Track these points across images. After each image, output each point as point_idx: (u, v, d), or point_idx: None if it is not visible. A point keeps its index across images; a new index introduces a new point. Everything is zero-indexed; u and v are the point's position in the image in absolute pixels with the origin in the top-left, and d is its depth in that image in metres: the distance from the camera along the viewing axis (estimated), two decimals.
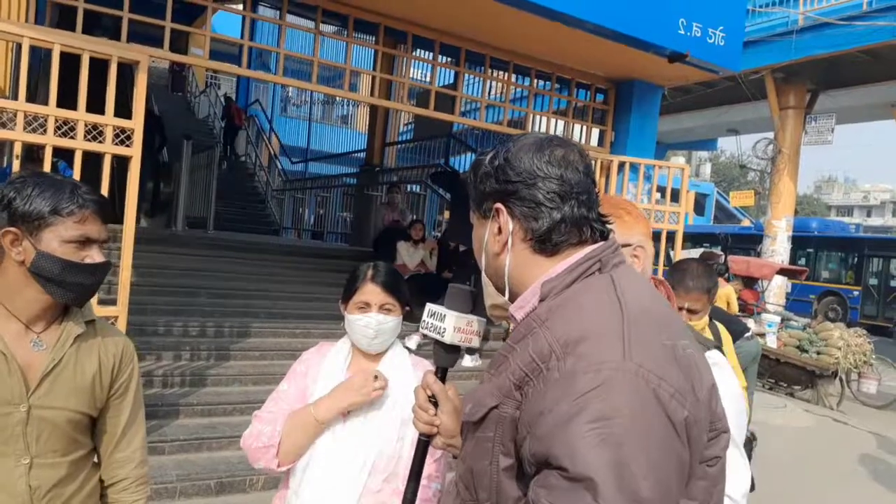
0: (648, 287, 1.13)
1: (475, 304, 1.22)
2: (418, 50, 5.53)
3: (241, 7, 4.94)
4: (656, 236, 6.38)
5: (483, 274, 1.17)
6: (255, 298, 6.94)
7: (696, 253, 18.45)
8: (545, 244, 1.06)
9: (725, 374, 1.56)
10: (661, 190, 6.82)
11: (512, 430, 0.97)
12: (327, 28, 7.04)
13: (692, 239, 22.43)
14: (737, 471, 1.47)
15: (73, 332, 1.56)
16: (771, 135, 14.47)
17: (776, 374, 9.29)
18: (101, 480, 1.67)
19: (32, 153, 5.36)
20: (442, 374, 1.23)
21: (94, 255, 1.51)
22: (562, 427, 0.88)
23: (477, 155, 1.18)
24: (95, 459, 1.67)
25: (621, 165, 6.05)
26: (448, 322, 1.19)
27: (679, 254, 6.61)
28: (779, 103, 13.74)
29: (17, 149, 3.69)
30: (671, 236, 6.47)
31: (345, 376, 1.85)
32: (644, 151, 6.16)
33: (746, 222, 28.21)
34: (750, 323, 11.35)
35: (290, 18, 5.22)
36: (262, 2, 6.84)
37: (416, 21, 5.13)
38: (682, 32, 5.08)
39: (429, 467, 1.69)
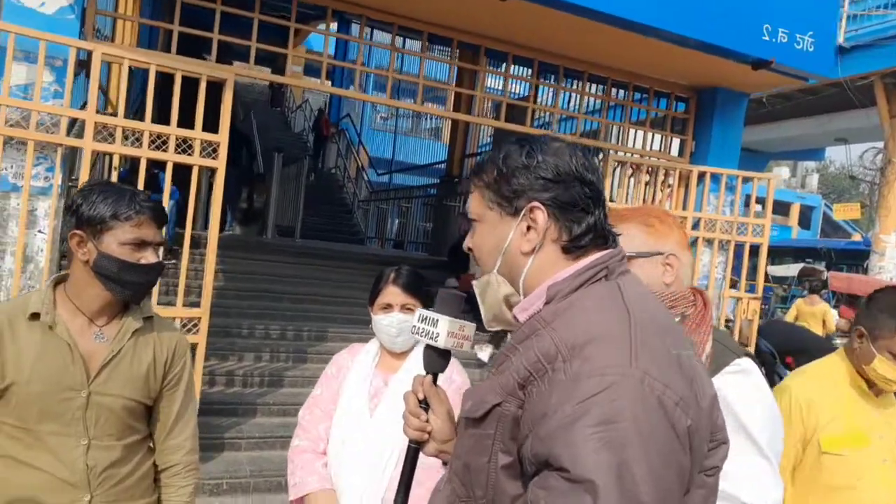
0: (652, 296, 1.13)
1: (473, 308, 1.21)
2: (507, 65, 5.55)
3: (327, 27, 5.18)
4: (739, 249, 6.11)
5: (492, 275, 1.12)
6: (334, 304, 7.20)
7: (796, 268, 17.44)
8: (575, 246, 1.06)
9: (756, 381, 1.50)
10: (760, 201, 6.52)
11: (513, 428, 0.97)
12: (414, 45, 7.23)
13: (794, 254, 21.21)
14: (763, 480, 1.42)
15: (132, 327, 1.71)
16: (881, 144, 13.49)
17: None
18: (156, 465, 1.82)
19: (135, 165, 5.85)
20: (433, 379, 1.22)
21: (149, 257, 1.66)
22: (565, 429, 0.88)
23: (498, 148, 1.14)
24: (151, 445, 1.82)
25: (701, 176, 5.84)
26: (441, 327, 1.18)
27: (763, 267, 6.29)
28: (889, 110, 12.79)
29: (116, 161, 4.02)
30: (756, 250, 6.17)
31: (373, 373, 1.93)
32: (727, 161, 5.92)
33: (857, 237, 26.36)
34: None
35: (377, 35, 5.39)
36: (354, 21, 7.11)
37: (488, 34, 5.19)
38: (767, 39, 4.86)
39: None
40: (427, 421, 1.21)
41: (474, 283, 1.16)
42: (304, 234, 10.22)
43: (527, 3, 4.36)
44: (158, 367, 1.76)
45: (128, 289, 1.65)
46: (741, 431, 1.40)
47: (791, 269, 17.10)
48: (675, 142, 6.15)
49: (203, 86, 4.21)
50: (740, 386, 1.45)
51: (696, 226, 5.86)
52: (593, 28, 4.69)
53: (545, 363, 0.94)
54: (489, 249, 1.12)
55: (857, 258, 18.46)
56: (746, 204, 6.19)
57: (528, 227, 1.07)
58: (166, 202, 4.31)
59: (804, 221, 31.64)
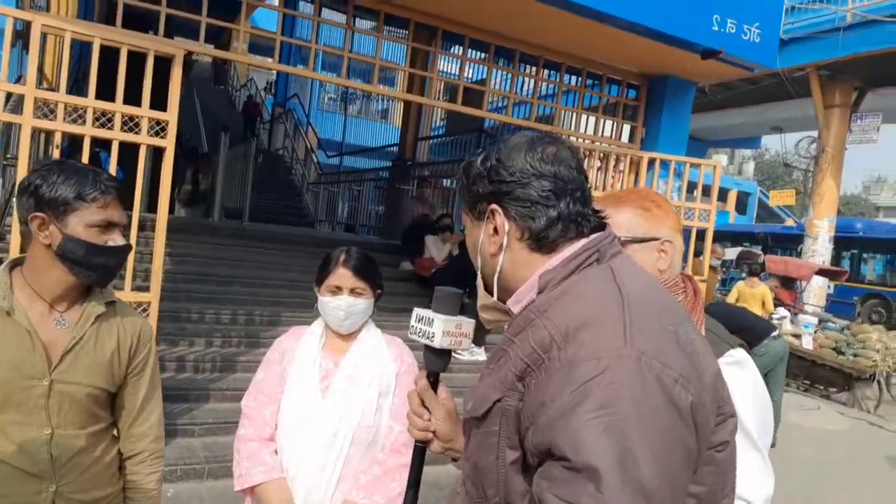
0: (647, 275, 1.12)
1: (464, 307, 1.21)
2: (464, 48, 5.50)
3: (276, 3, 5.05)
4: (686, 234, 6.31)
5: (479, 276, 1.15)
6: (286, 288, 7.07)
7: (734, 252, 18.14)
8: (542, 242, 1.05)
9: (750, 372, 1.49)
10: (703, 188, 6.73)
11: (516, 422, 0.96)
12: (367, 24, 7.12)
13: (732, 238, 22.05)
14: (757, 474, 1.41)
15: (94, 312, 1.64)
16: (815, 133, 14.12)
17: (811, 375, 9.11)
18: (121, 453, 1.76)
19: (76, 143, 5.58)
20: (434, 378, 1.21)
21: (116, 238, 1.59)
22: (564, 416, 0.86)
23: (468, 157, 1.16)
24: (115, 433, 1.76)
25: (651, 162, 5.99)
26: (437, 327, 1.16)
27: (709, 251, 6.51)
28: (824, 101, 13.39)
29: (58, 138, 3.84)
30: (702, 234, 6.38)
31: (321, 355, 1.92)
32: (676, 148, 6.10)
33: (790, 222, 27.57)
34: (786, 324, 11.12)
35: (326, 14, 5.29)
36: None
37: (445, 16, 5.16)
38: (716, 29, 5.01)
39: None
40: (430, 420, 1.20)
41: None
42: (253, 217, 10.00)
43: None
44: (123, 353, 1.69)
45: (95, 272, 1.58)
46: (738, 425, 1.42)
47: (729, 253, 17.76)
48: (626, 129, 6.29)
49: (150, 61, 4.05)
50: (735, 378, 1.41)
51: None
52: (548, 12, 4.73)
53: (541, 352, 0.93)
54: (473, 254, 1.16)
55: (791, 242, 19.36)
56: (689, 190, 6.39)
57: (495, 230, 1.08)
58: None
59: (741, 207, 32.83)
